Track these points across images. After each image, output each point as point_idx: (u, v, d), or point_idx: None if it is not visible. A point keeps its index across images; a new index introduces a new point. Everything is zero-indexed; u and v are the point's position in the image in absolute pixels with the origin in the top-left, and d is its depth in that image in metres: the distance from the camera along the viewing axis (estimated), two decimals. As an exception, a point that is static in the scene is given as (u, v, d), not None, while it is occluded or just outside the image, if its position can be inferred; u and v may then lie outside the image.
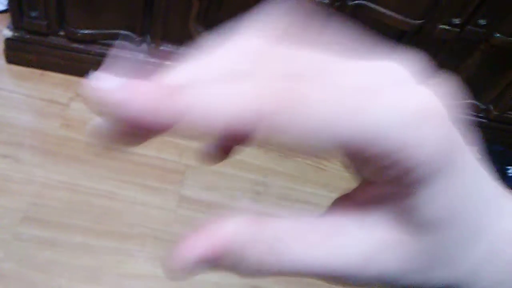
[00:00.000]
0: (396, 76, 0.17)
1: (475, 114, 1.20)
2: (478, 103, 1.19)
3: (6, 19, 1.09)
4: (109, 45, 1.05)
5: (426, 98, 0.16)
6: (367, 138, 0.15)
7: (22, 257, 0.82)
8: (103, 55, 1.05)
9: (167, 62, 1.06)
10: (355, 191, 0.19)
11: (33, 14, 0.97)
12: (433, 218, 0.17)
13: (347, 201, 0.19)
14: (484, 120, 1.21)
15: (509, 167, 1.20)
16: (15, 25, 1.00)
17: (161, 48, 1.03)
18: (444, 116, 0.16)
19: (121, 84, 0.13)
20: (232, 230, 0.16)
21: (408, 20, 0.92)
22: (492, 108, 1.17)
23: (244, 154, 1.04)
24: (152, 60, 1.05)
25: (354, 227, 0.18)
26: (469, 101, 1.18)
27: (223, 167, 1.05)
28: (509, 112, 1.18)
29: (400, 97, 0.16)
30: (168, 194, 0.98)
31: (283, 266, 0.17)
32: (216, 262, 0.16)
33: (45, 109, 1.03)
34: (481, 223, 0.19)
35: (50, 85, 1.07)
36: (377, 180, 0.18)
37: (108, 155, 0.99)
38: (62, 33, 1.02)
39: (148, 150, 1.03)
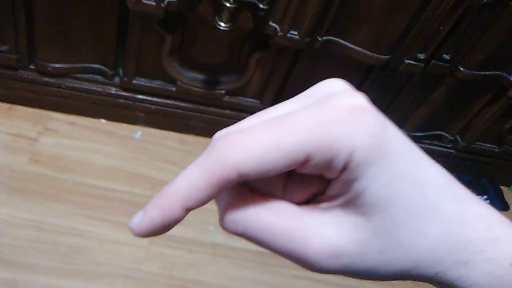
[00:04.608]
0: (333, 88, 0.21)
1: (443, 145, 1.24)
2: (446, 134, 1.22)
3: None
4: (81, 79, 1.03)
5: (355, 99, 0.19)
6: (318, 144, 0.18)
7: (-18, 301, 0.78)
8: (74, 89, 1.04)
9: (139, 96, 1.05)
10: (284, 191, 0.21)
11: (3, 48, 0.95)
12: (379, 196, 0.18)
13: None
14: (452, 151, 1.24)
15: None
16: (-17, 59, 0.98)
17: (134, 82, 1.02)
18: (371, 109, 0.19)
19: (141, 219, 0.20)
20: None
21: (375, 55, 0.95)
22: (459, 139, 1.21)
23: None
24: (124, 94, 1.05)
25: (308, 214, 0.20)
26: (437, 132, 1.22)
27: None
28: (476, 143, 1.22)
29: (332, 103, 0.19)
30: (140, 230, 0.95)
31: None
32: None
33: (12, 144, 1.00)
34: (428, 202, 0.19)
35: (19, 119, 1.05)
36: (315, 175, 0.20)
37: (77, 191, 0.96)
38: (32, 66, 1.00)
39: (119, 184, 1.01)
